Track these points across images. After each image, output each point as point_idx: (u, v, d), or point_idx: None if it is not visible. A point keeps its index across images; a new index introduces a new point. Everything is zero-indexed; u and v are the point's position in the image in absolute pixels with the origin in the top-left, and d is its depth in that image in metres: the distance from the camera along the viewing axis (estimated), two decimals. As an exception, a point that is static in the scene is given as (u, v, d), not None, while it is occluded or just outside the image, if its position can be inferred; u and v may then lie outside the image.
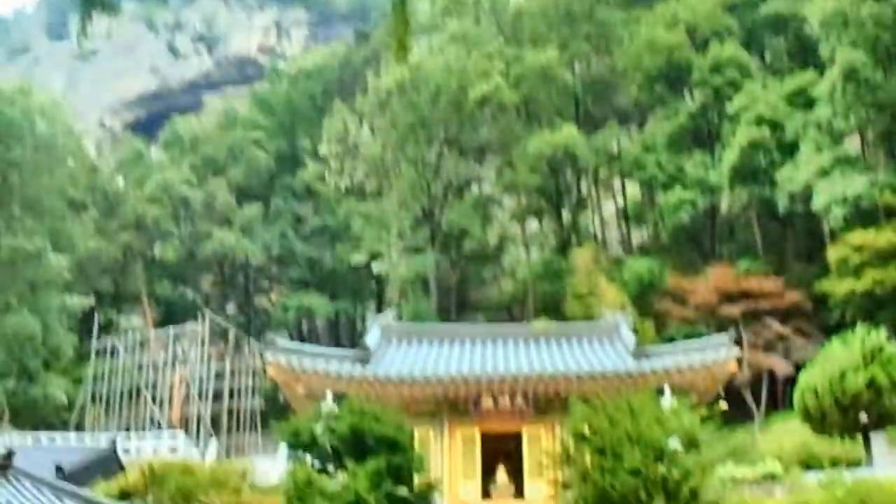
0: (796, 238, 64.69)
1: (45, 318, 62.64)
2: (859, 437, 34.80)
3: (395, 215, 67.10)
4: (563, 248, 70.04)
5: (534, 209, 73.39)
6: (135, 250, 79.16)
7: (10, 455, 24.03)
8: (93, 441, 49.81)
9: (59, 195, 69.86)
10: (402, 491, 27.85)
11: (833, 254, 52.53)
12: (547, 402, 33.95)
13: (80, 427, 62.97)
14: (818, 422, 35.37)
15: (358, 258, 70.24)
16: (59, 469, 29.90)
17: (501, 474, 34.78)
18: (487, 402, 34.41)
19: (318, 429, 28.97)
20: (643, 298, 58.15)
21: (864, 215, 52.34)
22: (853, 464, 32.22)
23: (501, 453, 35.09)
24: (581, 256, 62.82)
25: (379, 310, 70.99)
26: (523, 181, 67.88)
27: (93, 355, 69.28)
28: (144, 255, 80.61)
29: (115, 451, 39.70)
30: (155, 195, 77.83)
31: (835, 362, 35.10)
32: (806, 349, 51.24)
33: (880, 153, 55.74)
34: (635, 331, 41.13)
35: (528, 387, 33.69)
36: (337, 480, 27.02)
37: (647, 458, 24.53)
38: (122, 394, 67.52)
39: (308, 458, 28.67)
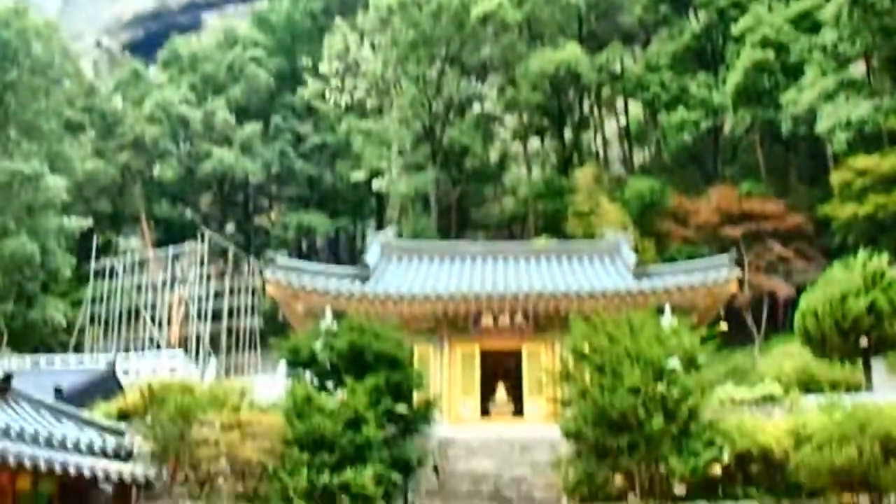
0: (799, 161, 64.37)
1: (43, 241, 62.23)
2: (859, 361, 34.81)
3: (395, 133, 66.48)
4: (565, 166, 69.74)
5: (535, 127, 72.80)
6: (133, 170, 78.67)
7: (8, 378, 23.98)
8: (92, 362, 49.84)
9: (57, 117, 68.91)
10: (401, 408, 27.95)
11: (836, 178, 52.12)
12: (547, 319, 34.01)
13: (79, 349, 62.99)
14: (818, 345, 35.24)
15: (358, 176, 69.68)
16: (58, 391, 29.94)
17: (501, 392, 34.97)
18: (487, 320, 34.49)
19: (318, 346, 28.98)
20: (644, 218, 57.96)
21: (868, 140, 51.84)
22: (853, 388, 32.29)
23: (501, 371, 35.28)
24: (582, 175, 62.52)
25: (379, 227, 70.72)
26: (525, 99, 67.16)
27: (91, 277, 69.18)
28: (143, 176, 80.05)
29: (114, 373, 39.82)
30: (154, 115, 76.89)
31: (836, 286, 34.87)
32: (807, 272, 51.18)
33: (886, 78, 54.90)
34: (636, 250, 41.24)
35: (528, 305, 33.69)
36: (336, 397, 27.05)
37: (647, 377, 24.54)
38: (120, 315, 67.53)
39: (307, 375, 28.71)
